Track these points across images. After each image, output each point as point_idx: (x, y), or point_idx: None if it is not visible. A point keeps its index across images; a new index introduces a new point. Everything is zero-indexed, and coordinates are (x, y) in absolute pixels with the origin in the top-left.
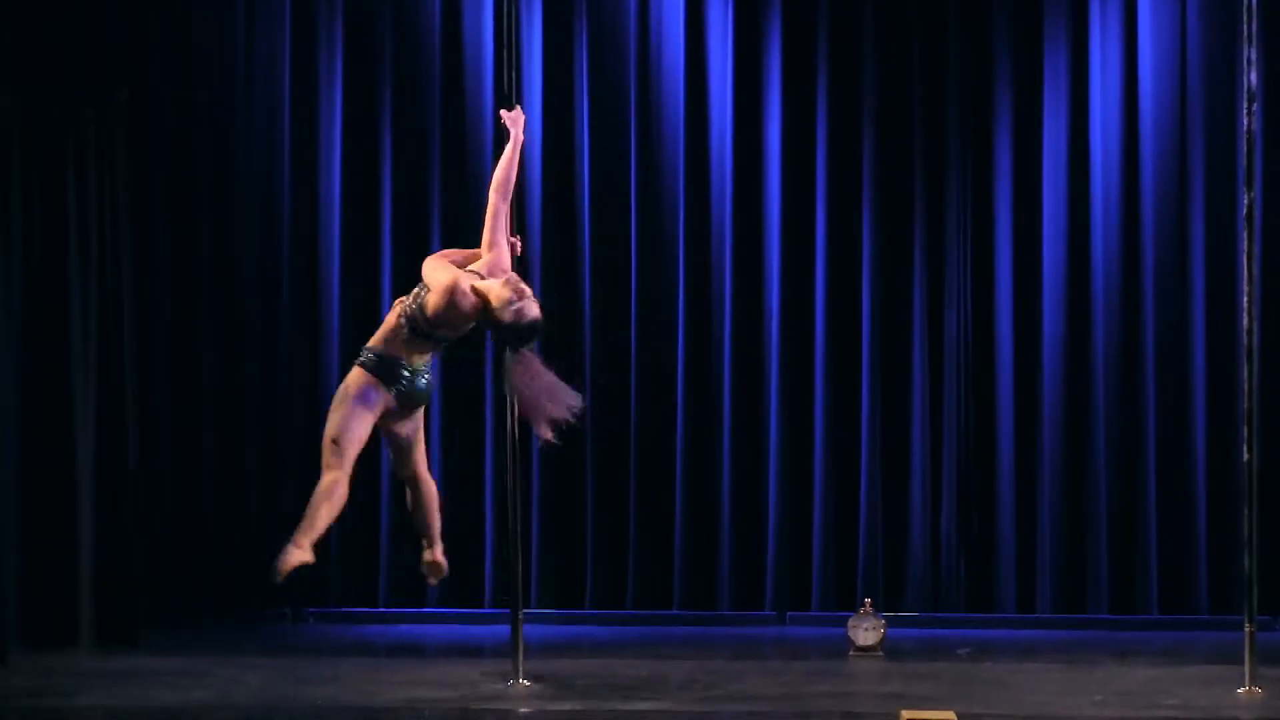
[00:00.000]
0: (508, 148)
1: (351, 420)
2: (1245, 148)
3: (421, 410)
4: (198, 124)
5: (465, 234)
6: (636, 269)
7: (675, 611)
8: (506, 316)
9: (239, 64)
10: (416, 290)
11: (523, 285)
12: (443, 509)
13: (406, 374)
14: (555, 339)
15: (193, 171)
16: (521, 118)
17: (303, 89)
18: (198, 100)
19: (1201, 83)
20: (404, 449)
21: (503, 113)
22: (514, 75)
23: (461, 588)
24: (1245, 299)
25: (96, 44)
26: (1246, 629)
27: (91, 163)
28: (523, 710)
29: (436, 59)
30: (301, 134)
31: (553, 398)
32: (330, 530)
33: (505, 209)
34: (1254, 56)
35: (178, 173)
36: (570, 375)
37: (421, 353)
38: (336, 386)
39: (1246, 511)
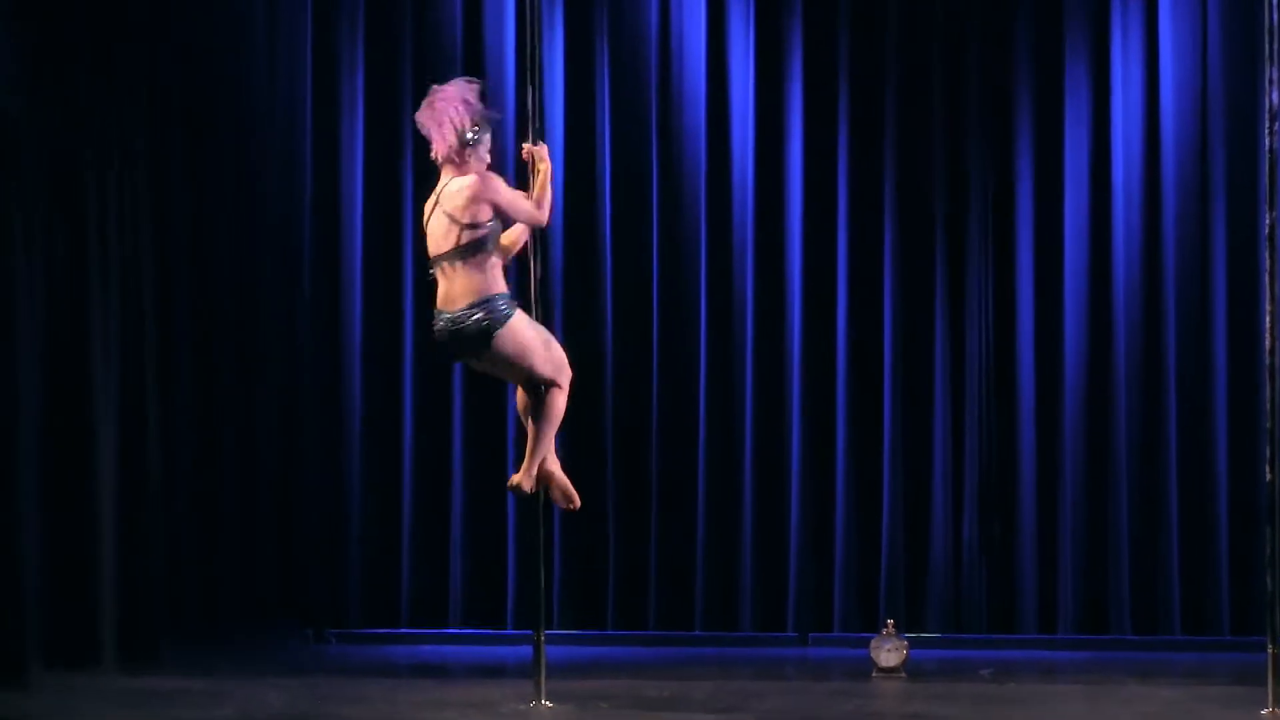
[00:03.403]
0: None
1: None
2: (1267, 167)
3: None
4: (218, 133)
5: None
6: (658, 286)
7: (697, 633)
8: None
9: (260, 70)
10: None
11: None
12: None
13: None
14: (577, 356)
15: (214, 184)
16: (544, 150)
17: (325, 101)
18: (218, 109)
19: (1223, 102)
20: None
21: (526, 146)
22: (536, 94)
23: (484, 609)
24: (1267, 319)
25: (116, 51)
26: (1269, 650)
27: (112, 178)
28: None
29: (458, 68)
30: (323, 146)
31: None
32: (351, 550)
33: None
34: (1275, 76)
35: (198, 181)
36: (591, 393)
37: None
38: (359, 402)
39: (1269, 531)
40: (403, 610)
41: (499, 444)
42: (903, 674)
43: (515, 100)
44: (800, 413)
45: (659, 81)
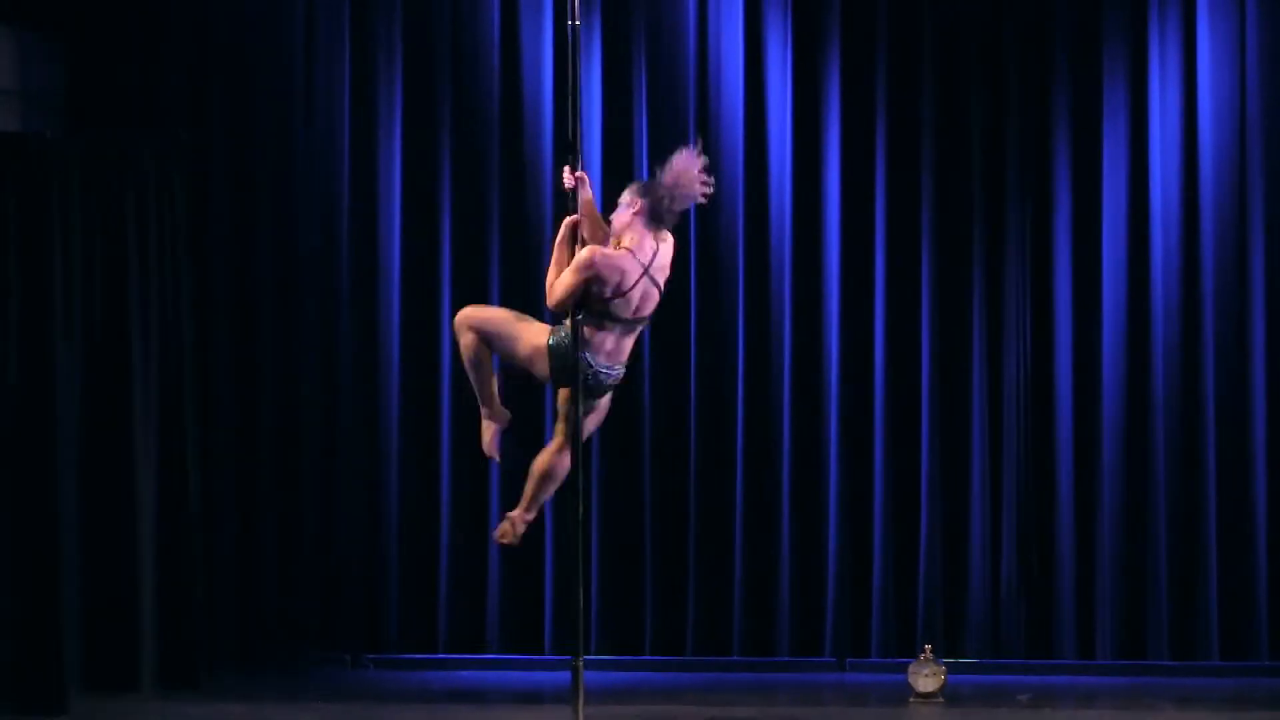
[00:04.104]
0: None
1: None
2: None
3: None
4: (257, 163)
5: (524, 273)
6: (696, 312)
7: (735, 658)
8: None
9: (297, 102)
10: None
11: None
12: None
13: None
14: (616, 386)
15: (252, 211)
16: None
17: (362, 127)
18: (257, 140)
19: (1261, 125)
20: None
21: (566, 171)
22: (575, 123)
23: (521, 634)
24: None
25: (156, 84)
26: None
27: (151, 199)
28: None
29: (495, 95)
30: (360, 173)
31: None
32: (388, 575)
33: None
34: None
35: (237, 216)
36: (628, 417)
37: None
38: (396, 427)
39: None
40: (440, 635)
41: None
42: (940, 699)
43: (554, 122)
44: (838, 436)
45: (696, 106)
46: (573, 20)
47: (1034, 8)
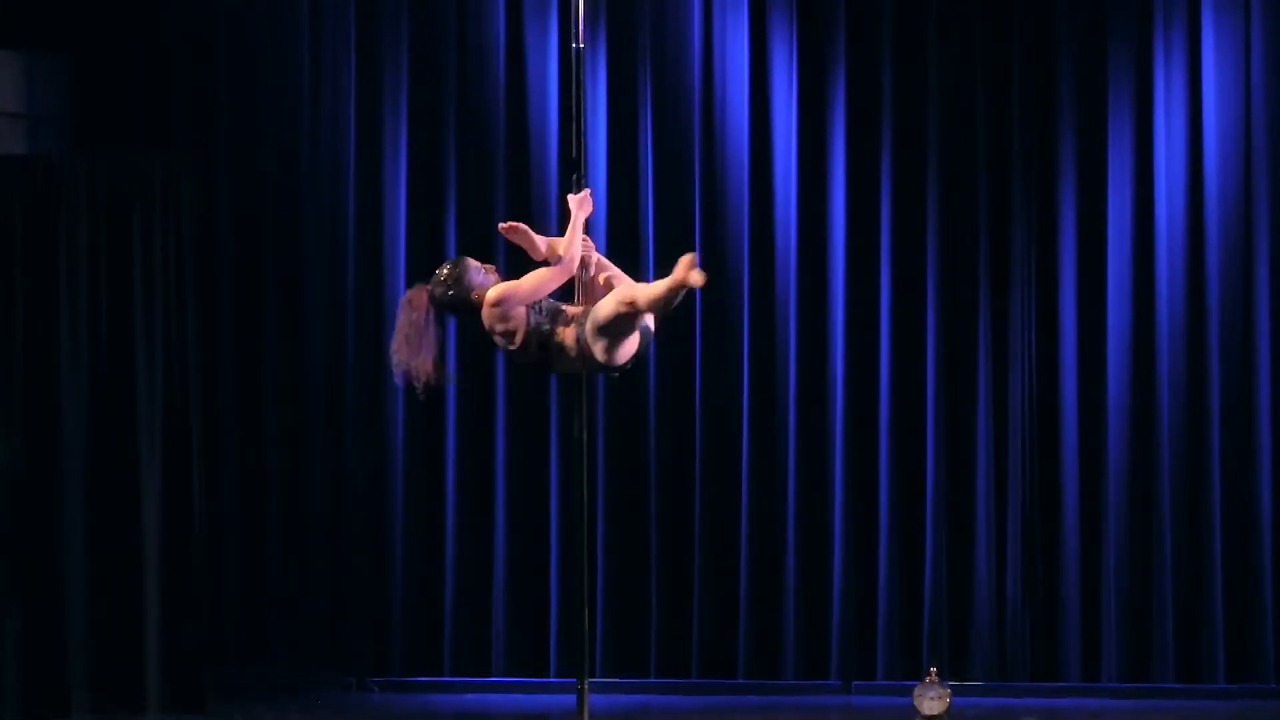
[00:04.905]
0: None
1: None
2: None
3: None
4: (262, 179)
5: None
6: (700, 330)
7: (740, 680)
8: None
9: (303, 116)
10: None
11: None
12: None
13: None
14: (619, 399)
15: (258, 225)
16: (588, 199)
17: (367, 142)
18: (262, 157)
19: (1266, 135)
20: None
21: (570, 197)
22: (580, 144)
23: (526, 656)
24: None
25: (162, 98)
26: None
27: (157, 217)
28: None
29: (501, 110)
30: (366, 187)
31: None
32: (393, 598)
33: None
34: None
35: (243, 230)
36: (634, 438)
37: None
38: (403, 446)
39: None
40: (445, 658)
41: (543, 492)
42: None
43: (559, 141)
44: (843, 459)
45: (701, 122)
46: (577, 44)
47: (1038, 21)
